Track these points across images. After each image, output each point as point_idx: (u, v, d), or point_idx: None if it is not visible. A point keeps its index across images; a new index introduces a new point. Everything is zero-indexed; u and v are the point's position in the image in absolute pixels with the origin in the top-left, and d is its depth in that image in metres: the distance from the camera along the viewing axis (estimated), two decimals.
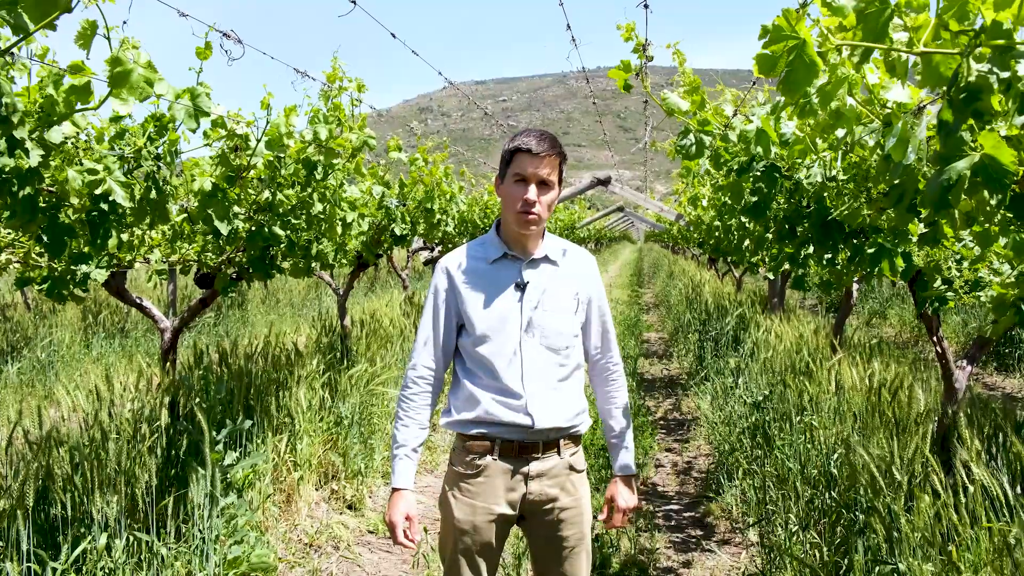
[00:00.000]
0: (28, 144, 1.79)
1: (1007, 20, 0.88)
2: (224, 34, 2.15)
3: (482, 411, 2.12)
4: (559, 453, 2.18)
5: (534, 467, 2.16)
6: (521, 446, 2.14)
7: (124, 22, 1.71)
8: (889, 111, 1.59)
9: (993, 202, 1.17)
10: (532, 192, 2.07)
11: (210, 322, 10.89)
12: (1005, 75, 0.99)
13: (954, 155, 1.22)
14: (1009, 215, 1.40)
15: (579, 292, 2.23)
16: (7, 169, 1.93)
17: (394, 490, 2.17)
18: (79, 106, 1.93)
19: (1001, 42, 0.95)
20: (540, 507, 2.19)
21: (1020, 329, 9.03)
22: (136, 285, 13.23)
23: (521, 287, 2.15)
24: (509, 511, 2.17)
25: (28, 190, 1.87)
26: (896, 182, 1.56)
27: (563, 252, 2.25)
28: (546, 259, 2.20)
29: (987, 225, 1.59)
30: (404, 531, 2.15)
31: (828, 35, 1.22)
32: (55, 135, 1.91)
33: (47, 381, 7.29)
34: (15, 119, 1.54)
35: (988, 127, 1.18)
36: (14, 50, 1.91)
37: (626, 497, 2.31)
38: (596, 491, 4.64)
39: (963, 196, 1.46)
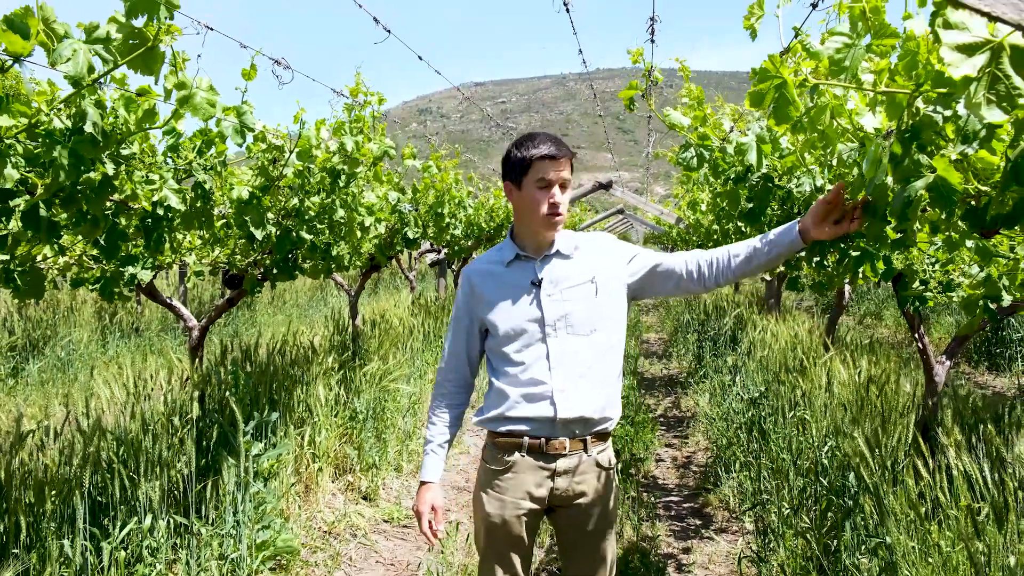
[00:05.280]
0: (104, 159, 2.03)
1: (947, 71, 1.12)
2: (276, 61, 2.38)
3: (508, 406, 2.20)
4: (586, 450, 2.24)
5: (561, 464, 2.22)
6: (548, 442, 2.21)
7: (199, 55, 1.95)
8: (864, 133, 1.84)
9: (943, 216, 1.41)
10: (559, 195, 2.17)
11: (220, 323, 11.12)
12: (948, 113, 1.23)
13: (913, 175, 1.46)
14: (963, 225, 1.65)
15: (597, 275, 2.25)
16: (82, 181, 2.17)
17: (422, 483, 2.30)
18: (146, 126, 2.17)
19: (943, 90, 1.19)
20: (567, 502, 2.27)
21: (1005, 328, 9.27)
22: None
23: (536, 283, 2.23)
24: (537, 506, 2.26)
25: (100, 201, 2.10)
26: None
27: (575, 247, 2.29)
28: (558, 254, 2.26)
29: (949, 232, 1.84)
30: (429, 521, 2.27)
31: (808, 77, 1.46)
32: (125, 151, 2.15)
33: (67, 379, 7.52)
34: (103, 140, 1.78)
35: (940, 153, 1.43)
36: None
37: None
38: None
39: (928, 208, 1.71)
